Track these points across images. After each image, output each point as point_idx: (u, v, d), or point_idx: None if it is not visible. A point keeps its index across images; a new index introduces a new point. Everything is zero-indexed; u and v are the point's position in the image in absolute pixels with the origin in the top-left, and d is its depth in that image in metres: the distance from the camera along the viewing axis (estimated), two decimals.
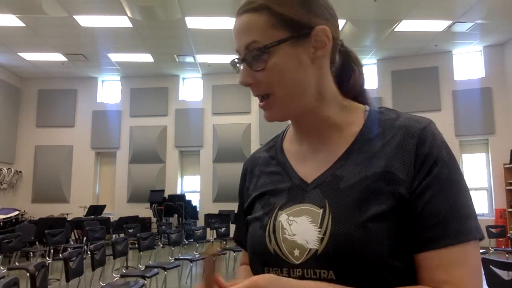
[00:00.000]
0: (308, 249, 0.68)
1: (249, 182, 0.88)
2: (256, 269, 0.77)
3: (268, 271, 0.73)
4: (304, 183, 0.76)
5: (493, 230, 6.83)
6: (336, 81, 0.79)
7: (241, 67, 0.75)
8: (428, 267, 0.64)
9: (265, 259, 0.73)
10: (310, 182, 0.75)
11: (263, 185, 0.82)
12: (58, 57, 10.22)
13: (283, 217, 0.73)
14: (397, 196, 0.66)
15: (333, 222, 0.68)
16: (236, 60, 0.76)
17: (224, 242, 7.77)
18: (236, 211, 1.00)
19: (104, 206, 10.40)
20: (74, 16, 7.93)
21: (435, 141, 0.69)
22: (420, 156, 0.68)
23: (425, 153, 0.68)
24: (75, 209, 10.50)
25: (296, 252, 0.69)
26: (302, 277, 0.68)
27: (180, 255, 6.19)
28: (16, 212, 9.26)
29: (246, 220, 0.83)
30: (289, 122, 0.86)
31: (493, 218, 9.08)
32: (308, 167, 0.77)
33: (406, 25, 8.37)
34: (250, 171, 0.89)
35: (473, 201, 0.68)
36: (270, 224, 0.74)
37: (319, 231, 0.68)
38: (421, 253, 0.64)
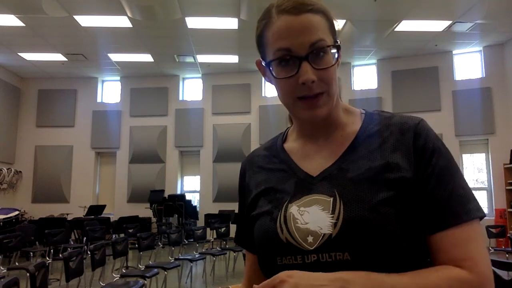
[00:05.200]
0: (322, 234, 0.71)
1: (249, 179, 0.91)
2: (267, 261, 0.78)
3: (281, 261, 0.75)
4: (309, 177, 0.80)
5: (493, 230, 6.82)
6: None
7: (302, 65, 0.74)
8: (443, 248, 0.69)
9: (277, 249, 0.75)
10: (316, 175, 0.79)
11: (266, 181, 0.85)
12: (58, 57, 10.21)
13: (293, 209, 0.77)
14: (403, 181, 0.72)
15: (345, 207, 0.72)
16: (288, 57, 0.75)
17: (224, 242, 7.77)
18: (236, 211, 1.02)
19: (104, 206, 10.40)
20: (74, 16, 7.93)
21: (429, 134, 0.77)
22: (418, 148, 0.75)
23: (422, 145, 0.75)
24: (75, 209, 10.51)
25: (310, 239, 0.72)
26: (317, 262, 0.71)
27: (180, 255, 6.19)
28: (16, 212, 9.26)
29: (252, 216, 0.85)
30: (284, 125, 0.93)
31: (493, 218, 9.06)
32: (313, 164, 0.82)
33: (406, 25, 8.36)
34: (249, 169, 0.92)
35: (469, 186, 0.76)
36: (280, 216, 0.77)
37: (332, 216, 0.72)
38: (434, 234, 0.70)
